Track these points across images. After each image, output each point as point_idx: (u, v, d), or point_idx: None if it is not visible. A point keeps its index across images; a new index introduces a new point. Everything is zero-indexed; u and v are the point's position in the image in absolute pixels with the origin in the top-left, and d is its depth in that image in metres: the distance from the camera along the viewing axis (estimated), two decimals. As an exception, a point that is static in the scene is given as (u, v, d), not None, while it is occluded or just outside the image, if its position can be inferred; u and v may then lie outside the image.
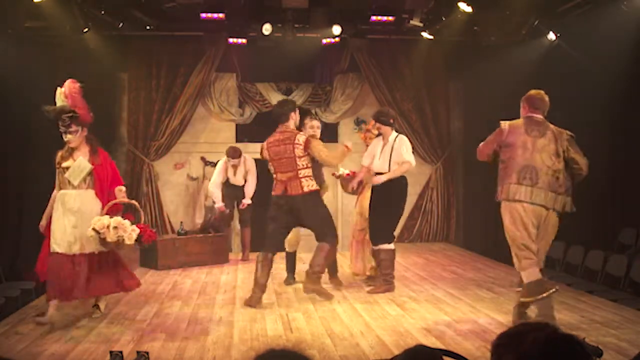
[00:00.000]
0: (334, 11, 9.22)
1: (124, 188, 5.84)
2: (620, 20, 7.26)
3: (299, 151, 6.25)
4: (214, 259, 8.85)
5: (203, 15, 8.72)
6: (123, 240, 5.20)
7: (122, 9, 8.70)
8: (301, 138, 6.29)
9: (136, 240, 5.29)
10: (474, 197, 11.12)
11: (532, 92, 5.51)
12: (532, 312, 5.53)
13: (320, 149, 6.35)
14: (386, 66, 10.88)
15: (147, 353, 4.11)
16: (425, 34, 9.51)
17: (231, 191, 9.13)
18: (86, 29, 8.41)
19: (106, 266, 5.67)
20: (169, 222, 10.57)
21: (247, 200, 9.05)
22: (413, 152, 7.32)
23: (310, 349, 4.79)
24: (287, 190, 6.27)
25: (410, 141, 7.14)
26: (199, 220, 10.25)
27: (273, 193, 6.43)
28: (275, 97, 10.79)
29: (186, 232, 8.93)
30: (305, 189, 6.27)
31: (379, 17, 8.92)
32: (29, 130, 9.40)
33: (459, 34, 9.42)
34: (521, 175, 5.24)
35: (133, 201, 5.79)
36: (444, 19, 8.96)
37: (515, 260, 5.33)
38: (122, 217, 5.39)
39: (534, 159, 5.26)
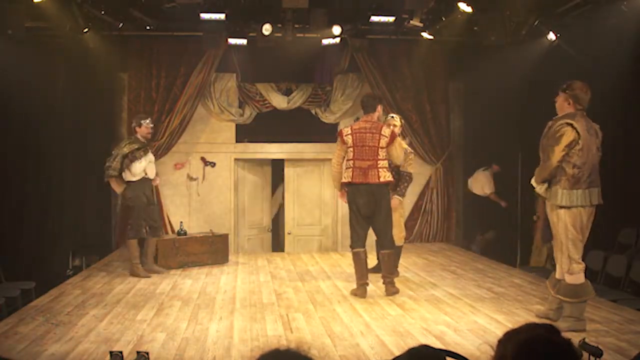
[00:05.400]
0: (334, 11, 9.20)
1: None
2: (620, 21, 7.25)
3: (383, 142, 6.62)
4: (214, 259, 8.86)
5: (203, 15, 8.71)
6: None
7: (122, 9, 8.69)
8: (387, 131, 6.70)
9: None
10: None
11: (580, 85, 5.31)
12: (543, 306, 5.60)
13: (399, 147, 6.82)
14: (386, 66, 10.87)
15: (147, 353, 4.11)
16: (425, 34, 9.49)
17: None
18: (86, 29, 8.40)
19: None
20: (169, 222, 10.56)
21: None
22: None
23: (310, 349, 4.79)
24: (367, 178, 6.59)
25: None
26: None
27: (351, 180, 6.66)
28: (275, 97, 10.79)
29: (186, 232, 8.93)
30: (382, 179, 6.63)
31: (379, 17, 8.91)
32: (29, 130, 9.41)
33: (459, 34, 9.41)
34: (590, 179, 5.20)
35: None
36: (444, 19, 8.94)
37: (564, 260, 5.30)
38: None
39: (594, 159, 5.24)
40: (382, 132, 6.66)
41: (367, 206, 6.68)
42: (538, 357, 1.56)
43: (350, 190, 6.75)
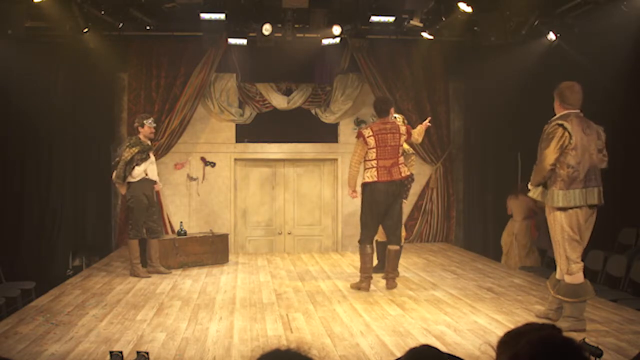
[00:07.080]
0: (334, 11, 9.21)
1: None
2: (620, 21, 7.26)
3: (402, 140, 6.94)
4: (214, 259, 8.86)
5: (203, 15, 8.71)
6: None
7: (122, 9, 8.68)
8: (403, 128, 6.99)
9: None
10: (474, 197, 11.12)
11: (567, 84, 5.30)
12: (543, 306, 5.60)
13: (415, 134, 7.38)
14: (386, 66, 10.86)
15: (147, 353, 4.11)
16: (425, 34, 9.50)
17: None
18: (86, 29, 8.40)
19: None
20: (169, 222, 10.56)
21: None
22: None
23: (310, 349, 4.78)
24: (392, 175, 6.79)
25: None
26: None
27: (376, 179, 6.79)
28: (275, 97, 10.78)
29: (186, 232, 8.92)
30: (404, 174, 6.93)
31: (379, 17, 8.91)
32: (29, 129, 9.42)
33: (459, 34, 9.42)
34: (587, 178, 5.18)
35: None
36: (444, 19, 8.94)
37: (562, 261, 5.31)
38: None
39: (593, 160, 5.23)
40: (401, 131, 6.90)
41: (385, 203, 6.84)
42: (554, 357, 1.56)
43: (370, 188, 6.86)
